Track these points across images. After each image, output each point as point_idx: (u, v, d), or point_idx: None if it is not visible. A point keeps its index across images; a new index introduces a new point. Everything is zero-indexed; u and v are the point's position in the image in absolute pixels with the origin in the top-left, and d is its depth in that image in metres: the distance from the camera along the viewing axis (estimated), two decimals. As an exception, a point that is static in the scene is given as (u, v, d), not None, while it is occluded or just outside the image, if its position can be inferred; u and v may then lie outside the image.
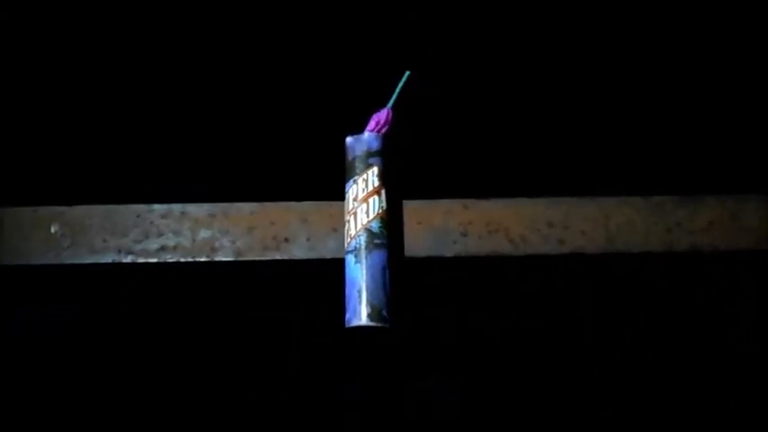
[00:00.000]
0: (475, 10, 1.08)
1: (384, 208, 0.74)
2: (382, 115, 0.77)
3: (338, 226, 0.78)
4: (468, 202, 0.80)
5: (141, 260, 0.78)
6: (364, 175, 0.74)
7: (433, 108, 1.06)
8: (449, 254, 0.79)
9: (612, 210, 0.80)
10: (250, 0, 1.07)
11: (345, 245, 0.73)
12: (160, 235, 0.79)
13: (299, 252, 0.79)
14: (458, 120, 1.11)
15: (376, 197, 0.74)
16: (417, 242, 0.79)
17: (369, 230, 0.72)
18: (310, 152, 1.03)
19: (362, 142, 0.76)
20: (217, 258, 0.78)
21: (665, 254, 0.79)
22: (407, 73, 0.78)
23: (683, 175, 1.07)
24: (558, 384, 1.26)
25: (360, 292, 0.71)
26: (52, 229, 0.78)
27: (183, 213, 0.79)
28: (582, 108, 1.13)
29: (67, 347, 1.21)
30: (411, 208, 0.80)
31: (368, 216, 0.73)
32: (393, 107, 0.78)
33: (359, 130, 0.76)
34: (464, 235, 0.79)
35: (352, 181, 0.75)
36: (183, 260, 0.78)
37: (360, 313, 0.70)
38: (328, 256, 0.79)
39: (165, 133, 1.12)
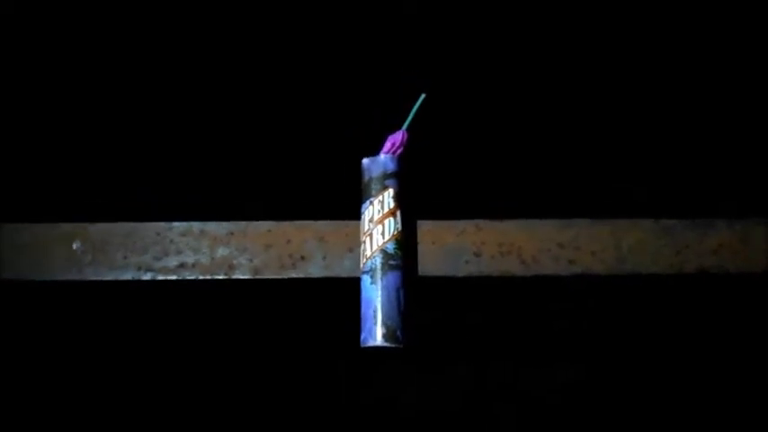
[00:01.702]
0: (490, 33, 1.09)
1: (399, 229, 0.75)
2: (398, 137, 0.79)
3: (354, 245, 0.80)
4: (481, 222, 0.81)
5: (161, 277, 0.80)
6: (380, 197, 0.76)
7: (447, 130, 1.07)
8: (461, 274, 0.80)
9: (623, 232, 0.81)
10: (268, 21, 1.09)
11: (361, 265, 0.75)
12: (179, 252, 0.80)
13: (315, 271, 0.80)
14: (471, 142, 1.12)
15: (391, 218, 0.75)
16: (430, 262, 0.81)
17: (384, 251, 0.74)
18: (327, 173, 1.05)
19: (378, 164, 0.77)
20: (234, 276, 0.80)
21: (674, 276, 0.81)
22: (423, 95, 0.79)
23: (692, 198, 1.08)
24: (564, 400, 1.27)
25: (375, 312, 0.72)
26: (74, 246, 0.80)
27: (202, 231, 0.81)
28: (594, 132, 1.14)
29: (86, 362, 1.23)
30: (425, 228, 0.81)
31: (383, 237, 0.74)
32: (408, 129, 0.79)
33: (375, 151, 0.78)
34: (477, 255, 0.80)
35: (368, 202, 0.76)
36: (201, 278, 0.80)
37: (375, 334, 0.72)
38: (344, 275, 0.80)
39: (184, 154, 1.14)
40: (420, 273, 0.80)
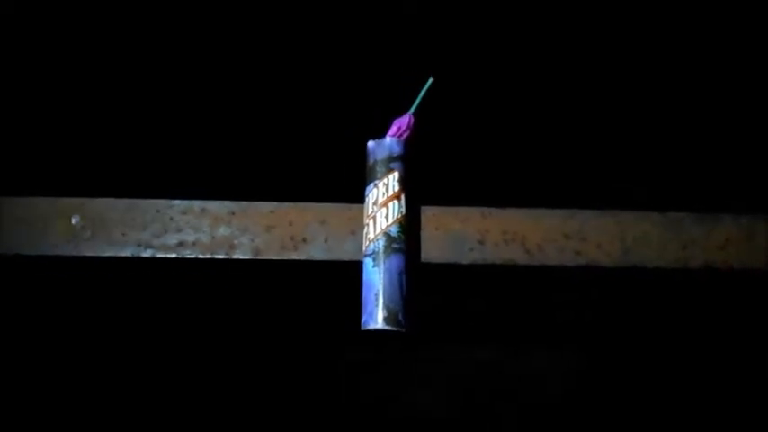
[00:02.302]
0: (501, 22, 1.09)
1: (403, 213, 0.74)
2: (404, 120, 0.78)
3: (356, 229, 0.79)
4: (486, 210, 0.80)
5: (160, 255, 0.79)
6: (385, 180, 0.75)
7: (455, 116, 1.06)
8: (465, 261, 0.79)
9: (629, 224, 0.80)
10: (276, 5, 1.08)
11: (363, 248, 0.74)
12: (179, 230, 0.79)
13: (316, 253, 0.79)
14: (478, 129, 1.11)
15: (396, 202, 0.74)
16: (434, 248, 0.80)
17: (387, 234, 0.73)
18: (331, 155, 1.04)
19: (384, 147, 0.76)
20: (235, 256, 0.79)
21: (679, 270, 0.80)
22: (431, 80, 0.78)
23: (700, 193, 1.07)
24: (567, 400, 1.26)
25: (377, 295, 0.71)
26: (72, 221, 0.79)
27: (202, 210, 0.80)
28: (605, 124, 1.13)
29: (83, 338, 1.22)
30: (429, 214, 0.80)
31: (387, 220, 0.73)
32: (415, 113, 0.78)
33: (380, 134, 0.77)
34: (481, 243, 0.80)
35: (372, 185, 0.75)
36: (201, 257, 0.79)
37: (376, 317, 0.71)
38: (345, 258, 0.79)
39: (188, 131, 1.13)
40: (423, 259, 0.79)
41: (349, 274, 0.78)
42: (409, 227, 0.75)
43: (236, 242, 0.79)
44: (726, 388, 1.22)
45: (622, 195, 1.05)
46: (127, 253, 0.79)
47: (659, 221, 0.81)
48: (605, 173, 1.11)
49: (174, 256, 0.79)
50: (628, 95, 1.13)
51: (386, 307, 0.71)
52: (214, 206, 0.80)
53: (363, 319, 0.72)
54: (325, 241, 0.79)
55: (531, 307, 1.20)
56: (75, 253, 0.79)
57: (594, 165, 1.11)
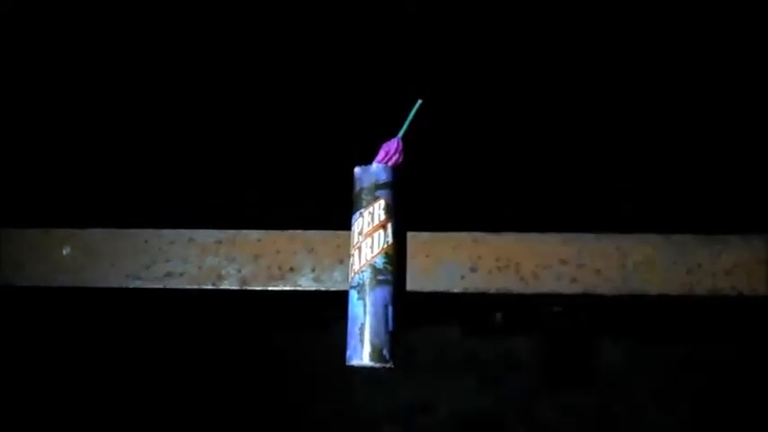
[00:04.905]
0: (490, 38, 1.04)
1: (390, 243, 0.72)
2: (392, 145, 0.76)
3: (345, 257, 0.77)
4: (478, 235, 0.78)
5: (148, 285, 0.78)
6: (370, 208, 0.73)
7: (444, 138, 1.03)
8: (456, 289, 0.77)
9: (630, 248, 0.76)
10: (259, 24, 1.06)
11: (349, 279, 0.72)
12: (167, 261, 0.79)
13: (304, 282, 0.78)
14: (468, 150, 1.08)
15: (381, 231, 0.72)
16: (424, 276, 0.77)
17: (373, 266, 0.71)
18: (319, 180, 1.02)
19: (370, 173, 0.74)
20: (222, 286, 0.78)
21: (684, 297, 0.76)
22: (419, 101, 0.76)
23: (705, 212, 1.01)
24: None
25: (361, 329, 0.69)
26: (63, 252, 0.79)
27: (190, 239, 0.79)
28: (600, 139, 1.09)
29: (71, 370, 1.23)
30: (419, 240, 0.78)
31: (372, 251, 0.71)
32: (404, 137, 0.76)
33: (371, 158, 0.75)
34: (473, 270, 0.77)
35: (358, 213, 0.73)
36: (188, 287, 0.78)
37: (360, 352, 0.69)
38: (333, 288, 0.78)
39: (175, 160, 1.12)
40: (413, 288, 0.77)
41: (338, 303, 0.76)
42: (396, 256, 0.73)
43: (223, 272, 0.78)
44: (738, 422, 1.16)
45: (622, 216, 1.01)
46: (115, 284, 0.79)
47: (662, 244, 0.76)
48: (603, 190, 1.06)
49: (161, 287, 0.78)
50: (622, 106, 1.07)
51: (370, 342, 0.69)
52: (201, 235, 0.79)
53: (348, 354, 0.70)
54: (313, 270, 0.78)
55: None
56: (65, 284, 0.79)
57: (591, 182, 1.06)
